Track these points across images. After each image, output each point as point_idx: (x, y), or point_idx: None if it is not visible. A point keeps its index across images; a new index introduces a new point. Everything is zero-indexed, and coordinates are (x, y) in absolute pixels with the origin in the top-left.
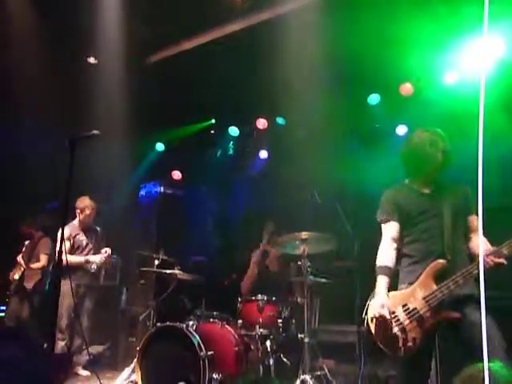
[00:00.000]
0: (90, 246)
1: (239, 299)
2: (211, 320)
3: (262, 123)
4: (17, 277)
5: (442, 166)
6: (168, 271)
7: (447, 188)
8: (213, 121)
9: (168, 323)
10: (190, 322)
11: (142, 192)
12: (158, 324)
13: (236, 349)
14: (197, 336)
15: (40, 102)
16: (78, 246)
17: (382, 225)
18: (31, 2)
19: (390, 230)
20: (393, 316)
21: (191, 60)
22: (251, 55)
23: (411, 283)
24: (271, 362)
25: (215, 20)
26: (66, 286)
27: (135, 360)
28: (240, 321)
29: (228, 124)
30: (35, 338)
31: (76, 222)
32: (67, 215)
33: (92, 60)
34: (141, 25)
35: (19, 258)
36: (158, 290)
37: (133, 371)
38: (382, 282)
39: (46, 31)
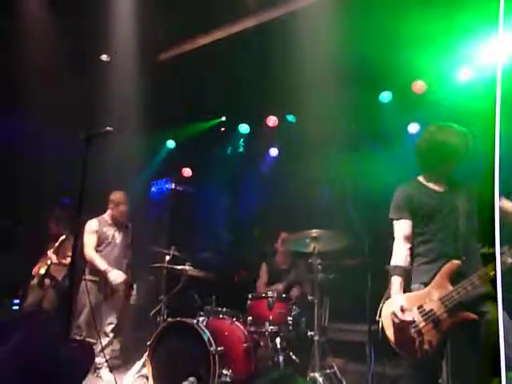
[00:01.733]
0: (118, 241)
1: (249, 296)
2: (221, 316)
3: (272, 121)
4: (42, 271)
5: (463, 161)
6: (179, 267)
7: (461, 185)
8: (223, 118)
9: (179, 319)
10: (201, 318)
11: (154, 189)
12: (169, 319)
13: (245, 345)
14: (207, 332)
15: (54, 99)
16: (104, 239)
17: (394, 222)
18: (46, 1)
19: (402, 228)
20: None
21: (202, 57)
22: (262, 53)
23: (424, 283)
24: (280, 359)
25: (227, 17)
26: (86, 283)
27: (146, 354)
28: (250, 317)
29: (238, 121)
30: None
31: (107, 215)
32: (82, 211)
33: (105, 57)
34: (153, 22)
35: (50, 253)
36: (169, 286)
37: (143, 365)
38: (396, 282)
39: (60, 29)
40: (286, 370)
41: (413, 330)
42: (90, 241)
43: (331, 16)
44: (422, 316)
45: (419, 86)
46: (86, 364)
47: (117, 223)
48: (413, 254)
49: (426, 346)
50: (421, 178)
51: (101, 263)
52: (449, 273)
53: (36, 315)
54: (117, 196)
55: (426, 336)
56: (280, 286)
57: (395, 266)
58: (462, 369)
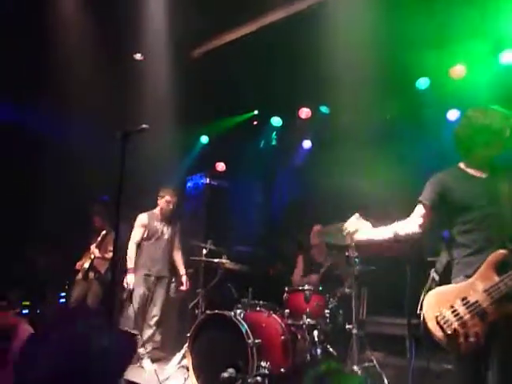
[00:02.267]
0: (166, 236)
1: (286, 289)
2: (258, 309)
3: (305, 113)
4: (86, 265)
5: (506, 146)
6: (216, 260)
7: (504, 171)
8: (255, 112)
9: (217, 311)
10: (238, 311)
11: (189, 184)
12: (208, 312)
13: (283, 338)
14: (245, 324)
15: (90, 98)
16: (152, 234)
17: (418, 204)
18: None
19: (420, 210)
20: (452, 310)
21: (233, 52)
22: (292, 44)
23: (468, 276)
24: (318, 351)
25: (256, 11)
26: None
27: (186, 346)
28: (287, 310)
29: (271, 114)
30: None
31: (157, 210)
32: (120, 208)
33: (138, 56)
34: (185, 20)
35: (93, 247)
36: (206, 279)
37: (184, 357)
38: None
39: (95, 29)
40: (333, 363)
41: (457, 323)
42: (136, 234)
43: (363, 5)
44: (467, 308)
45: (458, 70)
46: (129, 354)
47: (166, 218)
48: (453, 245)
49: (471, 339)
50: (462, 165)
51: (130, 261)
52: (494, 263)
53: (82, 307)
54: (167, 192)
55: (471, 328)
56: (315, 277)
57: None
58: (507, 364)
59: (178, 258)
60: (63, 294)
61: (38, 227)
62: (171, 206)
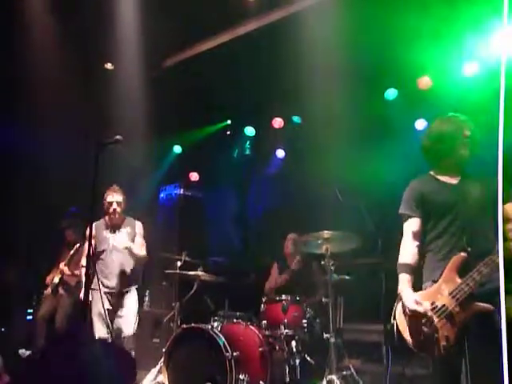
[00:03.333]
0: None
1: (263, 300)
2: (235, 320)
3: (278, 122)
4: (56, 280)
5: (470, 149)
6: (191, 272)
7: (474, 178)
8: (229, 121)
9: (193, 324)
10: (215, 323)
11: (162, 194)
12: (183, 325)
13: (261, 349)
14: (222, 337)
15: (61, 109)
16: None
17: (404, 220)
18: (49, 10)
19: (411, 226)
20: (422, 316)
21: (206, 62)
22: (265, 55)
23: (435, 281)
24: (297, 362)
25: (229, 21)
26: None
27: (161, 361)
28: (264, 321)
29: (244, 124)
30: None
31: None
32: (93, 219)
33: (109, 66)
34: (156, 29)
35: (62, 266)
36: (181, 292)
37: (159, 372)
38: (403, 279)
39: (63, 37)
40: None
41: (428, 327)
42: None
43: (334, 16)
44: (435, 312)
45: (424, 81)
46: (132, 374)
47: (114, 225)
48: (425, 252)
49: (443, 342)
50: (432, 173)
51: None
52: (456, 266)
53: (82, 328)
54: (107, 191)
55: (442, 332)
56: (284, 276)
57: (401, 264)
58: (482, 364)
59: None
60: (30, 311)
61: (5, 241)
62: (116, 208)
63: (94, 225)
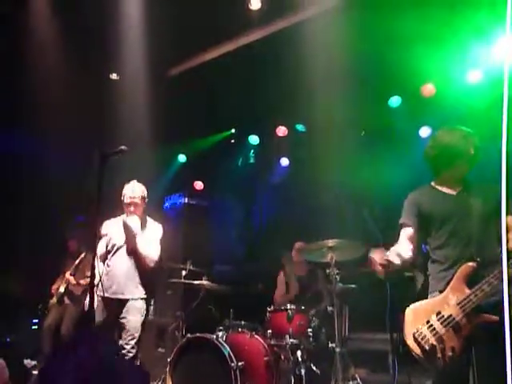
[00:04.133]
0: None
1: (268, 309)
2: (240, 330)
3: (282, 131)
4: (62, 290)
5: (473, 164)
6: (196, 282)
7: (476, 188)
8: (233, 130)
9: (198, 334)
10: (220, 333)
11: (167, 204)
12: (188, 335)
13: (266, 359)
14: (227, 347)
15: (66, 119)
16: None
17: (401, 228)
18: (54, 19)
19: (406, 233)
20: (428, 325)
21: (210, 71)
22: (269, 64)
23: (442, 291)
24: (302, 372)
25: (233, 30)
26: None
27: (166, 371)
28: (269, 331)
29: (248, 133)
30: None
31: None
32: (97, 228)
33: (114, 76)
34: (161, 39)
35: (67, 275)
36: (186, 301)
37: (163, 382)
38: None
39: (69, 49)
40: None
41: (433, 338)
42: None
43: (338, 24)
44: (442, 322)
45: (428, 89)
46: None
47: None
48: (429, 261)
49: (449, 353)
50: (433, 183)
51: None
52: (464, 276)
53: (99, 334)
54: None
55: (448, 342)
56: (296, 283)
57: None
58: (489, 374)
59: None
60: (35, 321)
61: (9, 251)
62: (132, 201)
63: (106, 223)
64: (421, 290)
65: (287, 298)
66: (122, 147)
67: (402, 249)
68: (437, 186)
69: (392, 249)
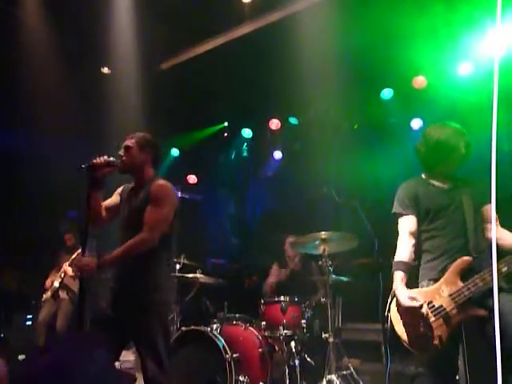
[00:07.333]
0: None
1: (262, 301)
2: (234, 322)
3: (275, 124)
4: (57, 284)
5: (464, 160)
6: (190, 275)
7: (465, 181)
8: (225, 123)
9: (192, 327)
10: (214, 325)
11: None
12: (183, 328)
13: (260, 350)
14: (221, 339)
15: (57, 114)
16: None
17: (399, 218)
18: (44, 15)
19: (407, 224)
20: (418, 314)
21: (202, 65)
22: (261, 56)
23: (432, 280)
24: (296, 362)
25: (225, 23)
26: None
27: None
28: (263, 322)
29: (241, 126)
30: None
31: None
32: (88, 225)
33: (106, 70)
34: (152, 33)
35: (65, 266)
36: (180, 294)
37: None
38: (397, 276)
39: (60, 43)
40: None
41: (423, 326)
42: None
43: (330, 16)
44: (432, 312)
45: (420, 81)
46: None
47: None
48: (419, 252)
49: (435, 342)
50: (424, 176)
51: None
52: (459, 269)
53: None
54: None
55: (436, 331)
56: (287, 272)
57: (397, 261)
58: (477, 365)
59: None
60: (29, 316)
61: (3, 245)
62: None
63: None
64: (410, 280)
65: (276, 282)
66: (112, 159)
67: (406, 255)
68: (428, 179)
69: (396, 260)
